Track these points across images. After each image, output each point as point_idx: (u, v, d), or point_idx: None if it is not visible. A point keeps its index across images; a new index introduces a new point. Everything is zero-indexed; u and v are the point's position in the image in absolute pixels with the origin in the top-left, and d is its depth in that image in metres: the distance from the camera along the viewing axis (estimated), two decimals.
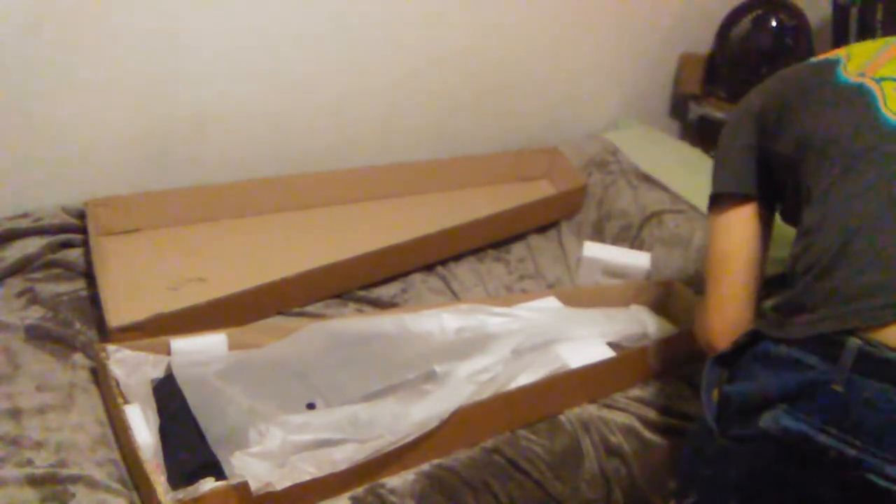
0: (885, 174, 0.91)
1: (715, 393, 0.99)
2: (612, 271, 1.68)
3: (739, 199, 1.10)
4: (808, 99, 1.05)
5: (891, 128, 0.93)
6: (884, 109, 0.95)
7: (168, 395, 1.24)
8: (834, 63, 1.05)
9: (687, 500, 1.07)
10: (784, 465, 0.91)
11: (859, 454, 0.81)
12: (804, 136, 1.02)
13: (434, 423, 1.19)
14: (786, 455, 0.89)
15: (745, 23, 2.19)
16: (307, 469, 1.11)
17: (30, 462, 1.09)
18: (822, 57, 1.10)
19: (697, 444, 1.09)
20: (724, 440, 0.96)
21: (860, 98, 0.98)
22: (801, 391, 0.86)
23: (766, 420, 0.87)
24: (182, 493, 1.03)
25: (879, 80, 0.98)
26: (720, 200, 1.12)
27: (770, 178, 1.10)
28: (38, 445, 1.12)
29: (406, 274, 1.70)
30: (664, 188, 1.92)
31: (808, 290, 0.92)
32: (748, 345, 0.97)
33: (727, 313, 1.06)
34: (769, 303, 1.02)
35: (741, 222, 1.09)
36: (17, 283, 1.45)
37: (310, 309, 1.57)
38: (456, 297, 1.66)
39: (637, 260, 1.69)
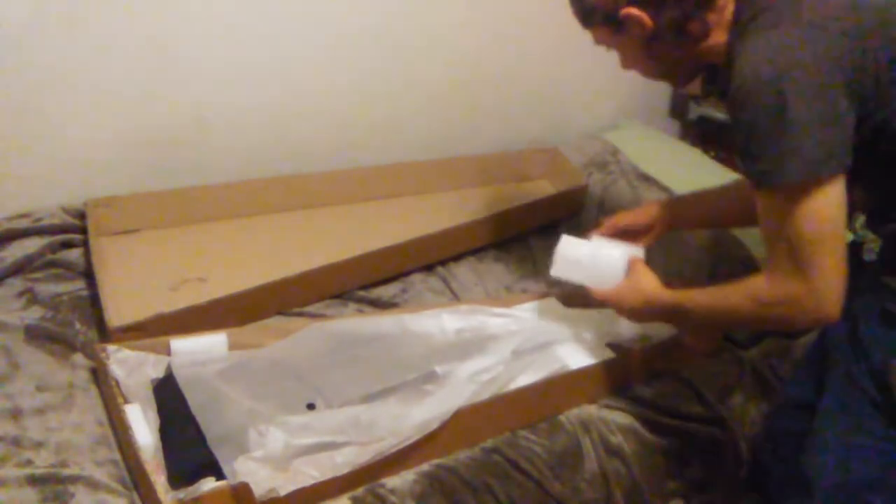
0: None
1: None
2: (590, 270, 1.39)
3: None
4: None
5: None
6: None
7: (168, 395, 1.24)
8: None
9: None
10: None
11: None
12: None
13: (435, 425, 1.19)
14: None
15: None
16: (310, 472, 1.11)
17: (30, 462, 1.09)
18: None
19: (870, 461, 1.08)
20: None
21: None
22: None
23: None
24: (182, 493, 1.03)
25: None
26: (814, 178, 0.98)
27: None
28: (38, 445, 1.12)
29: (406, 274, 1.70)
30: (664, 188, 1.92)
31: None
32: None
33: (843, 280, 1.00)
34: None
35: (840, 192, 0.98)
36: (17, 283, 1.45)
37: (310, 309, 1.57)
38: (456, 297, 1.66)
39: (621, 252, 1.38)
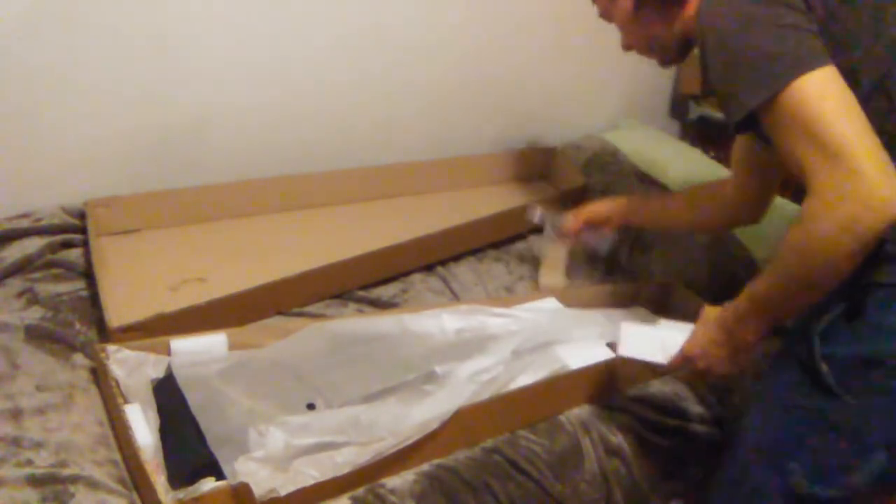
0: None
1: (824, 365, 1.01)
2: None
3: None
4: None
5: None
6: None
7: (168, 395, 1.24)
8: None
9: (791, 475, 1.06)
10: None
11: None
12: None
13: (435, 425, 1.19)
14: None
15: None
16: (310, 473, 1.11)
17: (30, 462, 1.09)
18: None
19: (787, 427, 1.08)
20: (871, 398, 0.99)
21: None
22: None
23: None
24: (182, 493, 1.03)
25: None
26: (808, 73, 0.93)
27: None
28: (38, 445, 1.12)
29: (406, 274, 1.70)
30: (664, 188, 1.92)
31: None
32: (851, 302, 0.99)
33: (888, 159, 0.90)
34: None
35: (840, 79, 0.93)
36: (17, 283, 1.45)
37: (310, 309, 1.57)
38: (456, 297, 1.66)
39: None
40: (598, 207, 1.62)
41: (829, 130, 0.89)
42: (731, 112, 0.98)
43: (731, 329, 1.09)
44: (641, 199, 1.65)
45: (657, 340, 1.23)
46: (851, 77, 0.94)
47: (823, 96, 0.91)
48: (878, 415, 1.00)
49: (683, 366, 1.18)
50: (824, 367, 1.01)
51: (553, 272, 1.73)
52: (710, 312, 1.14)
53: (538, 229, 1.81)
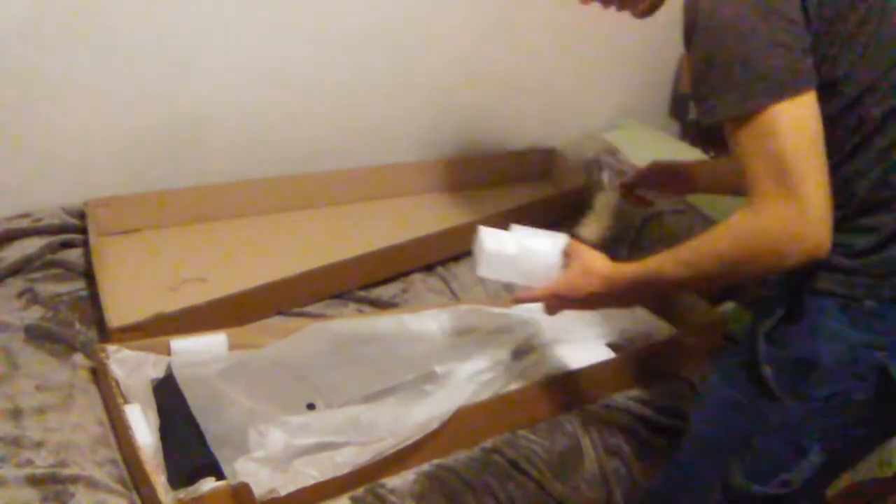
0: None
1: (766, 367, 1.03)
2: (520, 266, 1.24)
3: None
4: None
5: None
6: None
7: (168, 395, 1.24)
8: None
9: (733, 476, 1.08)
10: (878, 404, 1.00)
11: None
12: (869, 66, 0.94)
13: (435, 425, 1.19)
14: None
15: None
16: (310, 473, 1.11)
17: (30, 462, 1.09)
18: None
19: (737, 423, 1.10)
20: (811, 403, 1.02)
21: None
22: None
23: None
24: (182, 493, 1.03)
25: None
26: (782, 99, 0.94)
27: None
28: (38, 445, 1.12)
29: (406, 274, 1.70)
30: None
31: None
32: (792, 304, 1.02)
33: (829, 203, 0.93)
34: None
35: (814, 107, 0.94)
36: (17, 283, 1.45)
37: (310, 309, 1.57)
38: (456, 297, 1.66)
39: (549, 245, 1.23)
40: (669, 165, 1.50)
41: (792, 165, 0.91)
42: (703, 111, 0.99)
43: (616, 290, 1.10)
44: (708, 166, 1.55)
45: (523, 254, 1.21)
46: (832, 87, 0.95)
47: (795, 127, 0.92)
48: (815, 416, 1.03)
49: (546, 299, 1.17)
50: (767, 369, 1.04)
51: (597, 222, 1.62)
52: (595, 263, 1.13)
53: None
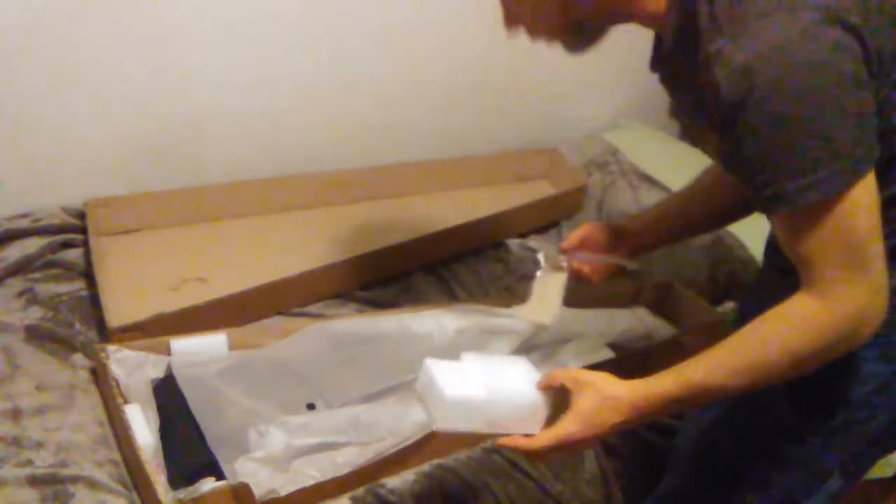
0: None
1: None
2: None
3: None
4: None
5: None
6: None
7: (168, 396, 1.24)
8: None
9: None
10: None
11: None
12: None
13: None
14: None
15: None
16: (310, 473, 1.11)
17: (30, 462, 1.09)
18: None
19: (744, 463, 1.09)
20: (826, 439, 1.03)
21: None
22: None
23: None
24: (182, 493, 1.03)
25: None
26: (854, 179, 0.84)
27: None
28: (38, 445, 1.12)
29: (406, 274, 1.70)
30: (664, 188, 1.92)
31: None
32: None
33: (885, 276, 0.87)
34: None
35: (874, 179, 0.85)
36: (17, 283, 1.45)
37: (310, 309, 1.57)
38: (456, 297, 1.66)
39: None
40: (593, 230, 1.26)
41: (867, 247, 0.85)
42: (771, 197, 0.85)
43: (649, 414, 0.93)
44: (652, 214, 1.33)
45: (494, 402, 0.94)
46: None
47: (869, 208, 0.84)
48: (836, 446, 1.03)
49: (553, 448, 0.93)
50: (785, 406, 1.01)
51: (545, 306, 1.33)
52: (613, 388, 0.93)
53: (540, 230, 1.78)
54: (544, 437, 0.92)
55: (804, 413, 1.02)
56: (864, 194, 0.83)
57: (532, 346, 1.43)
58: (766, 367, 0.88)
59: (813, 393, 1.01)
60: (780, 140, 0.81)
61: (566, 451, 0.94)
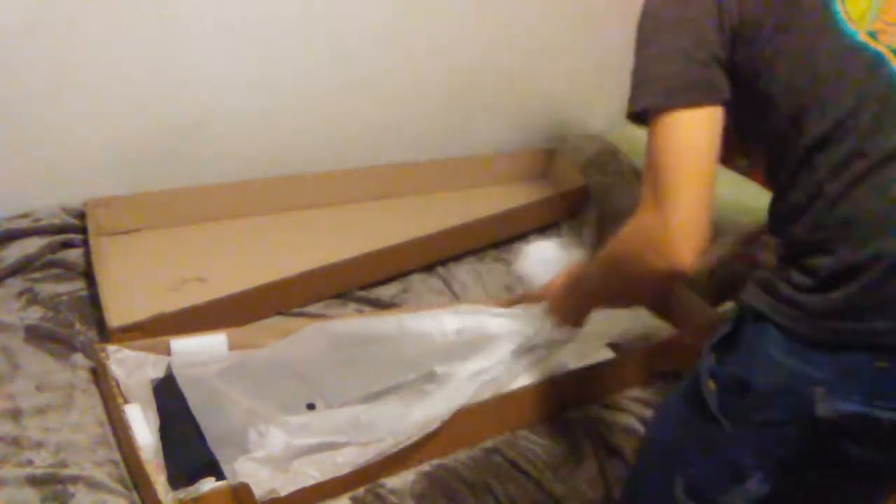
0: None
1: (711, 383, 0.96)
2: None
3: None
4: (804, 41, 0.89)
5: None
6: None
7: (168, 396, 1.24)
8: None
9: (675, 488, 1.02)
10: (826, 438, 0.90)
11: None
12: (796, 89, 0.89)
13: (435, 424, 1.19)
14: (831, 431, 0.88)
15: None
16: (310, 473, 1.11)
17: (30, 462, 1.09)
18: None
19: (682, 433, 1.05)
20: (744, 427, 0.94)
21: (878, 78, 0.84)
22: (841, 373, 0.86)
23: (821, 408, 0.86)
24: (182, 493, 1.03)
25: None
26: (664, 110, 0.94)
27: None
28: (38, 445, 1.12)
29: (406, 274, 1.70)
30: None
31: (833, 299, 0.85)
32: (740, 322, 0.94)
33: (700, 223, 0.93)
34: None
35: (704, 122, 0.93)
36: (17, 283, 1.45)
37: (310, 309, 1.57)
38: (456, 297, 1.66)
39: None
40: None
41: (663, 176, 0.91)
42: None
43: (568, 286, 1.24)
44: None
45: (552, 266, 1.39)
46: (767, 103, 0.92)
47: (674, 138, 0.91)
48: (748, 442, 0.96)
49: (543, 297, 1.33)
50: (711, 386, 0.97)
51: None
52: (573, 266, 1.27)
53: (540, 230, 1.80)
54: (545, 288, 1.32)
55: (722, 394, 0.97)
56: (672, 127, 0.91)
57: (532, 346, 1.43)
58: (600, 263, 1.09)
59: (727, 372, 0.96)
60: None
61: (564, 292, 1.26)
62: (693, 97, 0.91)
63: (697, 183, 0.91)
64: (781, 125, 0.91)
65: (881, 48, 0.85)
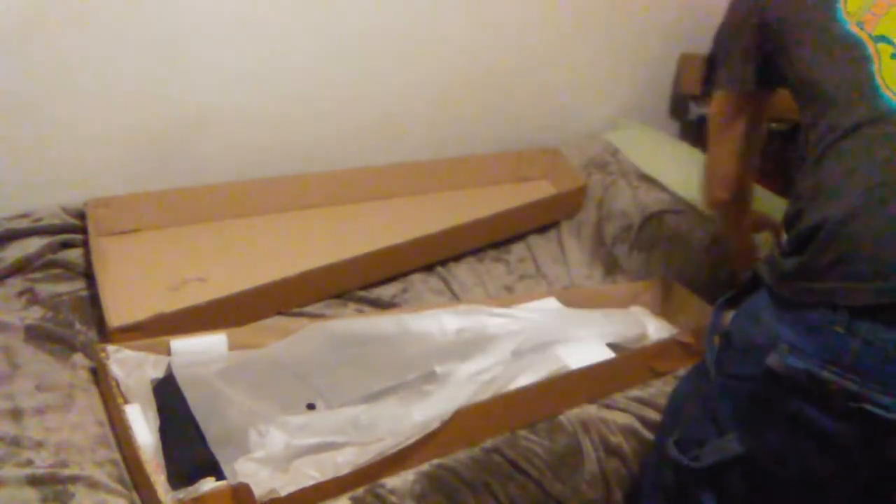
0: (875, 159, 0.94)
1: (716, 338, 1.09)
2: None
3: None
4: (807, 35, 1.06)
5: (886, 109, 0.94)
6: (879, 82, 0.96)
7: (168, 395, 1.24)
8: None
9: (671, 437, 1.12)
10: (783, 397, 0.97)
11: (858, 388, 0.90)
12: (802, 77, 1.06)
13: (435, 425, 1.19)
14: (786, 389, 0.96)
15: None
16: (310, 473, 1.11)
17: (30, 462, 1.09)
18: None
19: (690, 386, 1.19)
20: (722, 378, 1.06)
21: (857, 60, 0.98)
22: (804, 333, 0.94)
23: (771, 359, 0.95)
24: (182, 493, 1.03)
25: (878, 40, 0.98)
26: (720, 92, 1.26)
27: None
28: (38, 445, 1.12)
29: (406, 274, 1.70)
30: (664, 188, 1.92)
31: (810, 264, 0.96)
32: (750, 288, 1.07)
33: (726, 170, 1.28)
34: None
35: (728, 102, 1.24)
36: (17, 283, 1.45)
37: (310, 309, 1.57)
38: (456, 297, 1.66)
39: None
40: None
41: (709, 135, 1.29)
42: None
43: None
44: None
45: None
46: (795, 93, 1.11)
47: (714, 116, 1.26)
48: (726, 392, 1.05)
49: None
50: (715, 341, 1.10)
51: None
52: None
53: (540, 230, 1.80)
54: None
55: (721, 344, 1.09)
56: (716, 102, 1.26)
57: (532, 346, 1.43)
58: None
59: (728, 325, 1.09)
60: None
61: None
62: (729, 85, 1.22)
63: (725, 145, 1.25)
64: (803, 112, 1.08)
65: (863, 36, 0.99)
